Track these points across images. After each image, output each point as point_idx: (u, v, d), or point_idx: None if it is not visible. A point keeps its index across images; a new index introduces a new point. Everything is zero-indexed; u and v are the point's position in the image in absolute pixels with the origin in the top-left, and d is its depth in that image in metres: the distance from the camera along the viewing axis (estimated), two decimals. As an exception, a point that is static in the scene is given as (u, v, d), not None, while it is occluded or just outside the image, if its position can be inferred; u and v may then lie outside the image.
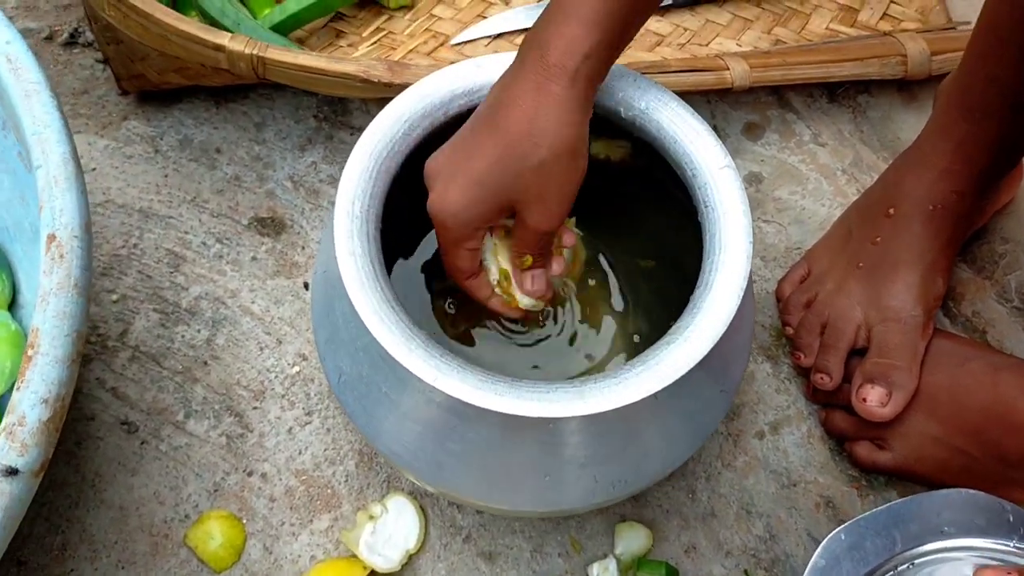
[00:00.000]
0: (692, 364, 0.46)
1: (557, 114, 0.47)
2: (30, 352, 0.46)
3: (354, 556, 0.61)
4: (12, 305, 0.63)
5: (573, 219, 0.58)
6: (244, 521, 0.63)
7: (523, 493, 0.52)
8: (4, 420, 0.45)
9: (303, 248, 0.74)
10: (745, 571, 0.63)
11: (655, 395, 0.46)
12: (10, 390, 0.48)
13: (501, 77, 0.50)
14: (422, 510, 0.64)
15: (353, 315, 0.48)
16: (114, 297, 0.71)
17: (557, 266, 0.55)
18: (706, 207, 0.51)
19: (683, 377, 0.46)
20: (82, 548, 0.62)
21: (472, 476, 0.51)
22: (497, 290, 0.54)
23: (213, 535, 0.62)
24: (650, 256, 0.63)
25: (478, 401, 0.45)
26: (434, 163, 0.50)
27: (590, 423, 0.49)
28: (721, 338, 0.47)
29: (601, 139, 0.57)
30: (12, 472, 0.44)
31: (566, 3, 0.47)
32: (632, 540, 0.63)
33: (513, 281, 0.54)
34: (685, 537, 0.64)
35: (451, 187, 0.48)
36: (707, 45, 0.81)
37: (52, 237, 0.49)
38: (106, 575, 0.62)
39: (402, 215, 0.53)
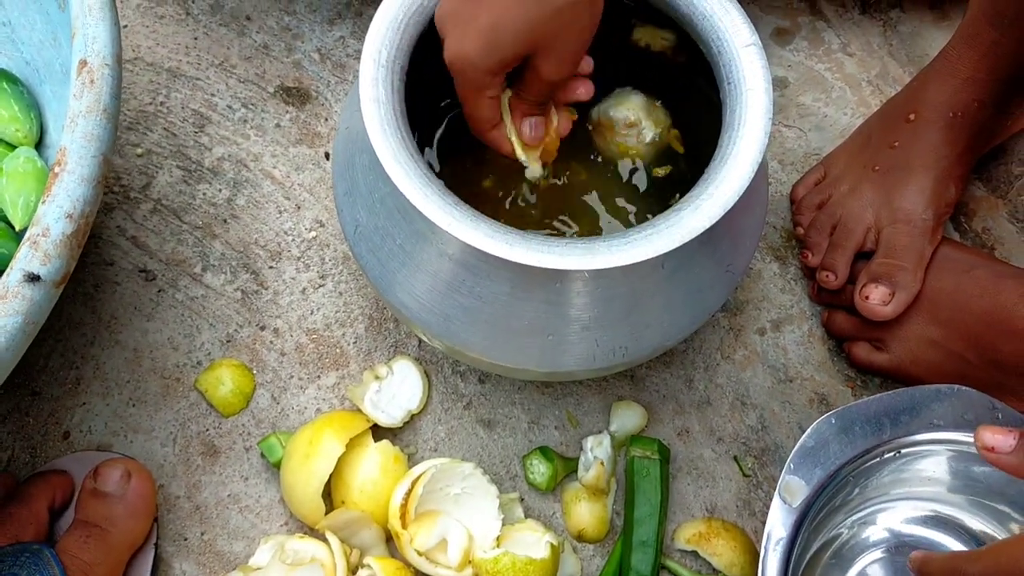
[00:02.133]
0: (701, 230, 0.47)
1: None
2: (57, 169, 0.47)
3: (358, 410, 0.63)
4: (39, 145, 0.64)
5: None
6: (254, 372, 0.65)
7: (527, 351, 0.53)
8: (28, 231, 0.46)
9: (326, 120, 0.75)
10: (735, 457, 0.65)
11: (661, 263, 0.47)
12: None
13: None
14: (426, 376, 0.66)
15: (373, 165, 0.49)
16: (139, 151, 0.72)
17: (564, 124, 0.55)
18: (728, 83, 0.51)
19: (689, 247, 0.47)
20: (95, 384, 0.65)
21: (479, 331, 0.53)
22: (516, 144, 0.54)
23: (224, 381, 0.64)
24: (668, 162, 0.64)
25: (490, 249, 0.46)
26: (447, 6, 0.49)
27: (596, 285, 0.50)
28: (730, 212, 0.48)
29: (647, 26, 0.57)
30: (35, 279, 0.45)
31: None
32: (627, 418, 0.65)
33: (512, 127, 0.53)
34: (679, 421, 0.66)
35: (467, 33, 0.47)
36: (744, -54, 0.80)
37: (83, 63, 0.50)
38: (117, 411, 0.64)
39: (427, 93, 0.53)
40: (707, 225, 0.47)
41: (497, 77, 0.49)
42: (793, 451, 0.56)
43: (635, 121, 0.60)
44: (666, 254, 0.47)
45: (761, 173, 0.52)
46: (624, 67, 0.60)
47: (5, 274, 0.45)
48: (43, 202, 0.47)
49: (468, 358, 0.56)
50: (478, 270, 0.50)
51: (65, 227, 0.46)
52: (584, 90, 0.53)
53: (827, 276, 0.66)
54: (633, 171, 0.62)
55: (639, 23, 0.57)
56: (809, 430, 0.56)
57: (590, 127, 0.62)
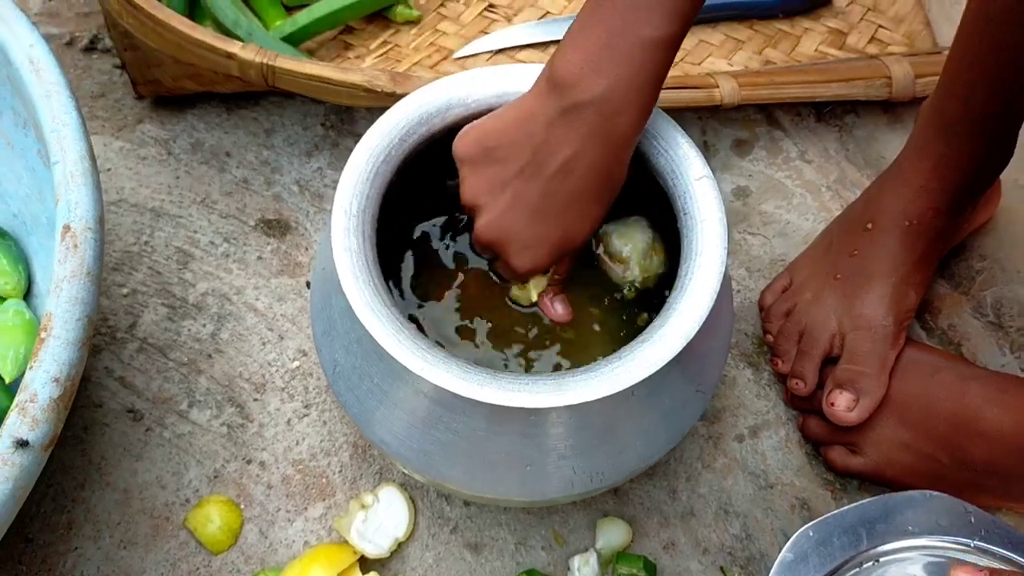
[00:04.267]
0: (664, 361, 0.49)
1: (623, 160, 0.53)
2: (43, 335, 0.49)
3: (346, 542, 0.64)
4: (27, 295, 0.66)
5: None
6: (242, 506, 0.66)
7: (506, 482, 0.55)
8: (16, 397, 0.48)
9: (306, 249, 0.77)
10: (722, 568, 0.66)
11: (631, 391, 0.49)
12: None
13: (550, 123, 0.52)
14: (412, 501, 0.66)
15: (347, 309, 0.51)
16: (124, 291, 0.74)
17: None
18: (685, 215, 0.54)
19: (658, 374, 0.49)
20: (87, 527, 0.65)
21: (458, 465, 0.54)
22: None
23: (212, 519, 0.65)
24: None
25: (461, 391, 0.48)
26: (499, 230, 0.55)
27: (569, 416, 0.52)
28: (695, 338, 0.50)
29: None
30: (23, 444, 0.47)
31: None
32: (613, 535, 0.66)
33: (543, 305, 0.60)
34: (664, 534, 0.67)
35: (539, 252, 0.55)
36: (700, 64, 0.84)
37: (67, 228, 0.52)
38: (109, 554, 0.64)
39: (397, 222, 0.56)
40: (670, 356, 0.49)
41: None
42: (774, 567, 0.56)
43: (626, 259, 0.62)
44: (635, 384, 0.49)
45: (723, 295, 0.54)
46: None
47: (-8, 442, 0.47)
48: (30, 368, 0.48)
49: (449, 490, 0.57)
50: (453, 407, 0.52)
51: (52, 391, 0.48)
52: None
53: (797, 384, 0.68)
54: (612, 290, 0.64)
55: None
56: (788, 544, 0.57)
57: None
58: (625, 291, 0.61)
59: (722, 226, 0.53)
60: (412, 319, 0.61)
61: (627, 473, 0.56)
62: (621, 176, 0.53)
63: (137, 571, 0.64)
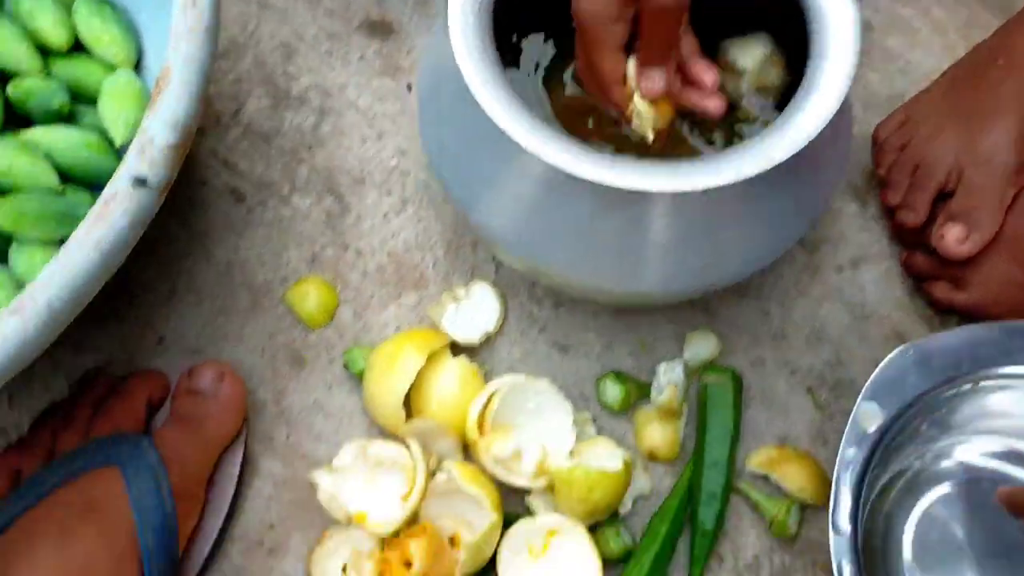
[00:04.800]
0: (784, 157, 0.46)
1: None
2: (161, 84, 0.49)
3: (437, 328, 0.65)
4: (136, 69, 0.67)
5: None
6: (338, 289, 0.67)
7: (606, 272, 0.54)
8: (135, 140, 0.49)
9: (408, 52, 0.76)
10: (808, 388, 0.66)
11: (744, 190, 0.47)
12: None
13: None
14: (503, 299, 0.67)
15: (459, 89, 0.49)
16: (230, 77, 0.74)
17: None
18: (815, 11, 0.51)
19: (773, 175, 0.47)
20: (189, 295, 0.67)
21: (560, 251, 0.53)
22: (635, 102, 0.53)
23: (310, 296, 0.66)
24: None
25: (575, 171, 0.46)
26: None
27: (678, 207, 0.51)
28: (815, 141, 0.48)
29: None
30: (141, 182, 0.48)
31: None
32: (701, 347, 0.66)
33: (632, 80, 0.52)
34: (753, 352, 0.66)
35: None
36: None
37: (188, -17, 0.52)
38: (209, 320, 0.66)
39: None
40: (791, 152, 0.47)
41: (619, 24, 0.49)
42: (870, 379, 0.56)
43: (741, 70, 0.59)
44: (749, 181, 0.47)
45: (846, 106, 0.52)
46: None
47: (112, 179, 0.48)
48: (148, 114, 0.49)
49: (547, 278, 0.57)
50: (561, 191, 0.51)
51: (169, 137, 0.49)
52: (714, 105, 0.53)
53: (907, 215, 0.66)
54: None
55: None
56: (887, 359, 0.56)
57: None
58: (742, 104, 0.60)
59: (855, 26, 0.50)
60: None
61: (728, 277, 0.55)
62: None
63: (236, 336, 0.66)
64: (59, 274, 0.47)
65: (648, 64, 0.51)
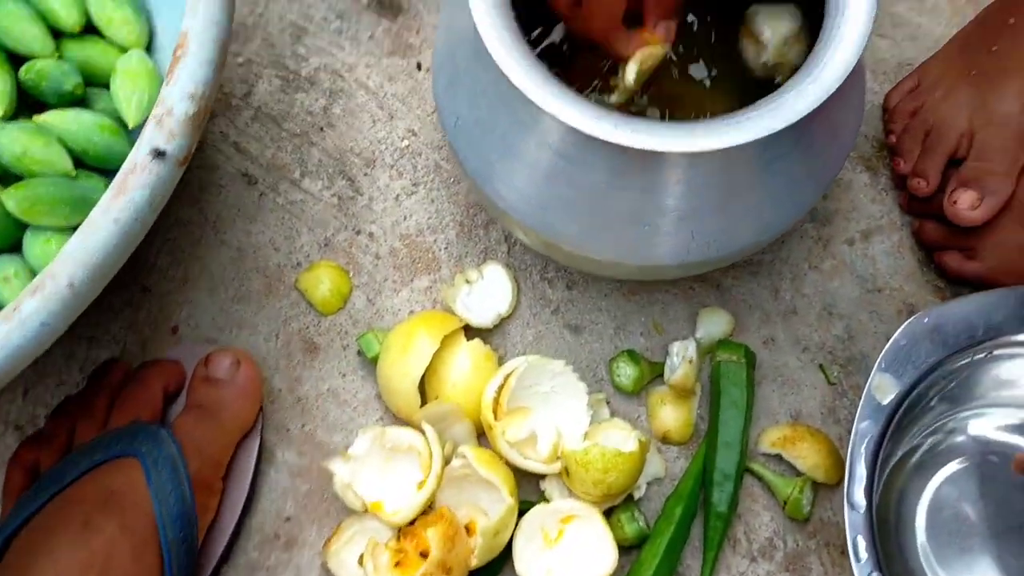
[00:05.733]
0: (804, 113, 0.46)
1: None
2: (179, 52, 0.49)
3: (451, 311, 0.65)
4: (148, 49, 0.67)
5: None
6: (351, 273, 0.68)
7: (622, 242, 0.54)
8: (153, 111, 0.48)
9: (418, 31, 0.76)
10: (820, 365, 0.66)
11: (760, 153, 0.47)
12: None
13: None
14: (515, 281, 0.67)
15: (477, 55, 0.50)
16: (240, 60, 0.74)
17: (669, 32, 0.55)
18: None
19: (789, 138, 0.47)
20: (202, 281, 0.68)
21: (575, 221, 0.54)
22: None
23: (323, 281, 0.66)
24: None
25: (595, 131, 0.46)
26: None
27: (693, 173, 0.51)
28: (830, 102, 0.47)
29: None
30: (160, 154, 0.47)
31: None
32: (713, 325, 0.66)
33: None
34: (765, 330, 0.67)
35: None
36: None
37: (201, -46, 0.52)
38: (223, 307, 0.67)
39: None
40: (811, 107, 0.47)
41: None
42: (884, 349, 0.56)
43: (765, 41, 0.59)
44: (765, 142, 0.47)
45: (860, 68, 0.52)
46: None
47: (133, 150, 0.48)
48: (167, 84, 0.49)
49: (562, 252, 0.57)
50: (577, 159, 0.51)
51: (188, 107, 0.49)
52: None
53: (918, 183, 0.65)
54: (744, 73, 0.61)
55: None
56: (901, 328, 0.56)
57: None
58: (757, 72, 0.59)
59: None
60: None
61: (742, 246, 0.55)
62: None
63: (250, 324, 0.66)
64: (79, 251, 0.46)
65: (659, 16, 0.54)
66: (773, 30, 0.58)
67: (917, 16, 0.75)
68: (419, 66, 0.74)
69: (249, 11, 0.76)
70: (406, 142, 0.72)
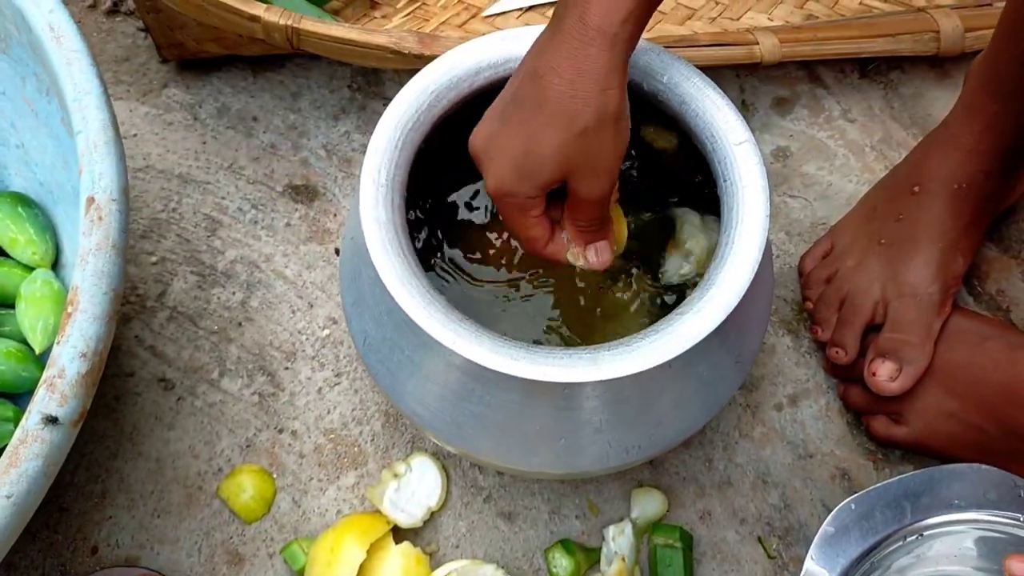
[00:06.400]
0: (704, 335, 0.47)
1: (597, 79, 0.46)
2: (69, 309, 0.48)
3: (378, 511, 0.63)
4: (55, 265, 0.66)
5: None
6: (274, 476, 0.66)
7: (540, 455, 0.54)
8: (45, 373, 0.47)
9: (335, 215, 0.76)
10: (759, 538, 0.65)
11: (669, 364, 0.47)
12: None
13: (535, 43, 0.49)
14: (444, 470, 0.66)
15: (377, 280, 0.49)
16: (153, 259, 0.74)
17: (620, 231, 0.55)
18: (725, 181, 0.52)
19: (697, 347, 0.47)
20: (120, 497, 0.65)
21: (491, 438, 0.53)
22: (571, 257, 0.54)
23: (245, 488, 0.64)
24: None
25: (494, 365, 0.46)
26: (477, 140, 0.50)
27: (605, 389, 0.50)
28: (736, 310, 0.48)
29: (652, 125, 0.58)
30: (52, 420, 0.46)
31: None
32: (648, 505, 0.65)
33: (578, 255, 0.54)
34: (700, 504, 0.66)
35: (503, 163, 0.48)
36: (738, 19, 0.81)
37: (91, 200, 0.51)
38: (143, 523, 0.65)
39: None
40: (710, 329, 0.47)
41: (539, 199, 0.49)
42: (814, 540, 0.55)
43: (689, 252, 0.59)
44: (671, 359, 0.47)
45: (764, 264, 0.52)
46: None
47: (24, 418, 0.47)
48: (57, 343, 0.48)
49: (482, 461, 0.56)
50: (486, 380, 0.51)
51: (80, 367, 0.47)
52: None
53: (837, 352, 0.66)
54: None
55: (644, 122, 0.58)
56: (830, 517, 0.56)
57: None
58: (673, 281, 0.59)
59: (764, 194, 0.51)
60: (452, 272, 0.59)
61: (663, 446, 0.55)
62: (599, 103, 0.47)
63: (171, 539, 0.64)
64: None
65: (590, 243, 0.53)
66: (698, 246, 0.59)
67: (827, 175, 0.77)
68: (337, 251, 0.74)
69: (163, 207, 0.75)
70: (327, 331, 0.71)
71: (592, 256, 0.53)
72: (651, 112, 0.56)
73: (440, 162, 0.56)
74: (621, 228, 0.58)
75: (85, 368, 0.47)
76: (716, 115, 0.53)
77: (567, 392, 0.50)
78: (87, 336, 0.48)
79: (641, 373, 0.47)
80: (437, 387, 0.53)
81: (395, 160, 0.52)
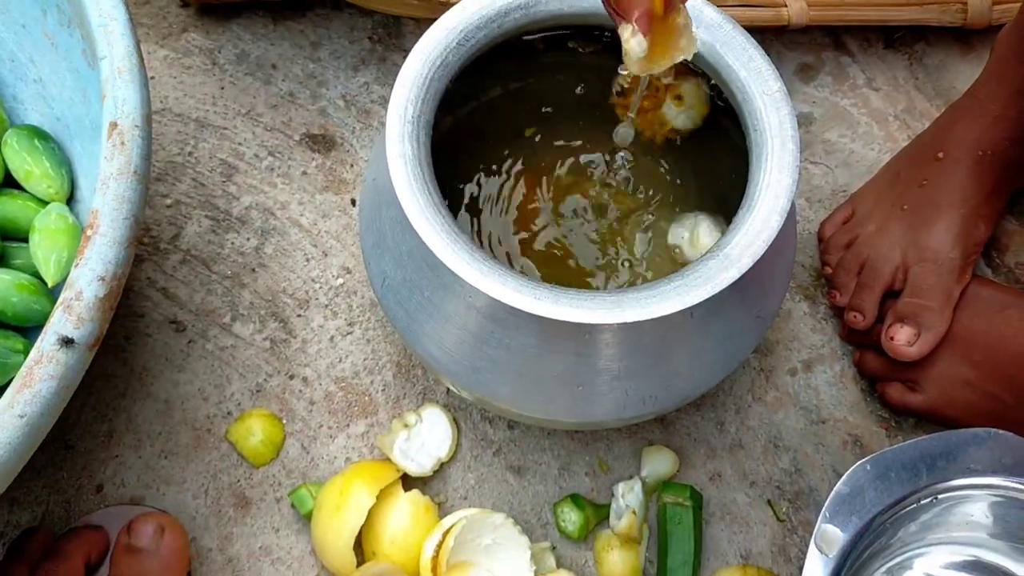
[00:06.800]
0: (730, 281, 0.46)
1: None
2: (89, 232, 0.47)
3: (388, 460, 0.63)
4: (70, 201, 0.65)
5: None
6: (284, 421, 0.66)
7: (556, 402, 0.53)
8: (62, 295, 0.47)
9: (352, 166, 0.75)
10: (769, 501, 0.64)
11: (690, 312, 0.47)
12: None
13: None
14: (455, 422, 0.65)
15: (400, 219, 0.49)
16: (168, 202, 0.73)
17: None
18: (754, 130, 0.51)
19: (719, 296, 0.47)
20: (128, 437, 0.65)
21: (508, 383, 0.53)
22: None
23: (254, 432, 0.64)
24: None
25: (517, 304, 0.46)
26: None
27: (625, 336, 0.50)
28: (760, 260, 0.47)
29: (685, 78, 0.57)
30: (68, 342, 0.45)
31: None
32: (658, 464, 0.64)
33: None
34: (711, 465, 0.65)
35: None
36: (765, -17, 0.80)
37: (114, 125, 0.51)
38: (149, 463, 0.64)
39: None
40: (736, 276, 0.47)
41: None
42: (828, 499, 0.55)
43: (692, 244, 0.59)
44: (695, 305, 0.46)
45: (789, 219, 0.52)
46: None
47: (39, 339, 0.46)
48: (76, 265, 0.47)
49: (496, 408, 0.56)
50: (506, 322, 0.50)
51: (98, 290, 0.47)
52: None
53: (855, 317, 0.65)
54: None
55: (678, 75, 0.57)
56: (844, 477, 0.55)
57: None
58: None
59: (794, 144, 0.50)
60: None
61: (680, 399, 0.55)
62: None
63: (178, 480, 0.64)
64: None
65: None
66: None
67: (850, 143, 0.76)
68: (353, 202, 0.73)
69: (179, 150, 0.75)
70: (340, 280, 0.71)
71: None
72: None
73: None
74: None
75: (103, 291, 0.46)
76: (748, 64, 0.52)
77: (587, 337, 0.50)
78: (106, 260, 0.47)
79: (663, 319, 0.46)
80: (456, 329, 0.52)
81: (422, 96, 0.51)
